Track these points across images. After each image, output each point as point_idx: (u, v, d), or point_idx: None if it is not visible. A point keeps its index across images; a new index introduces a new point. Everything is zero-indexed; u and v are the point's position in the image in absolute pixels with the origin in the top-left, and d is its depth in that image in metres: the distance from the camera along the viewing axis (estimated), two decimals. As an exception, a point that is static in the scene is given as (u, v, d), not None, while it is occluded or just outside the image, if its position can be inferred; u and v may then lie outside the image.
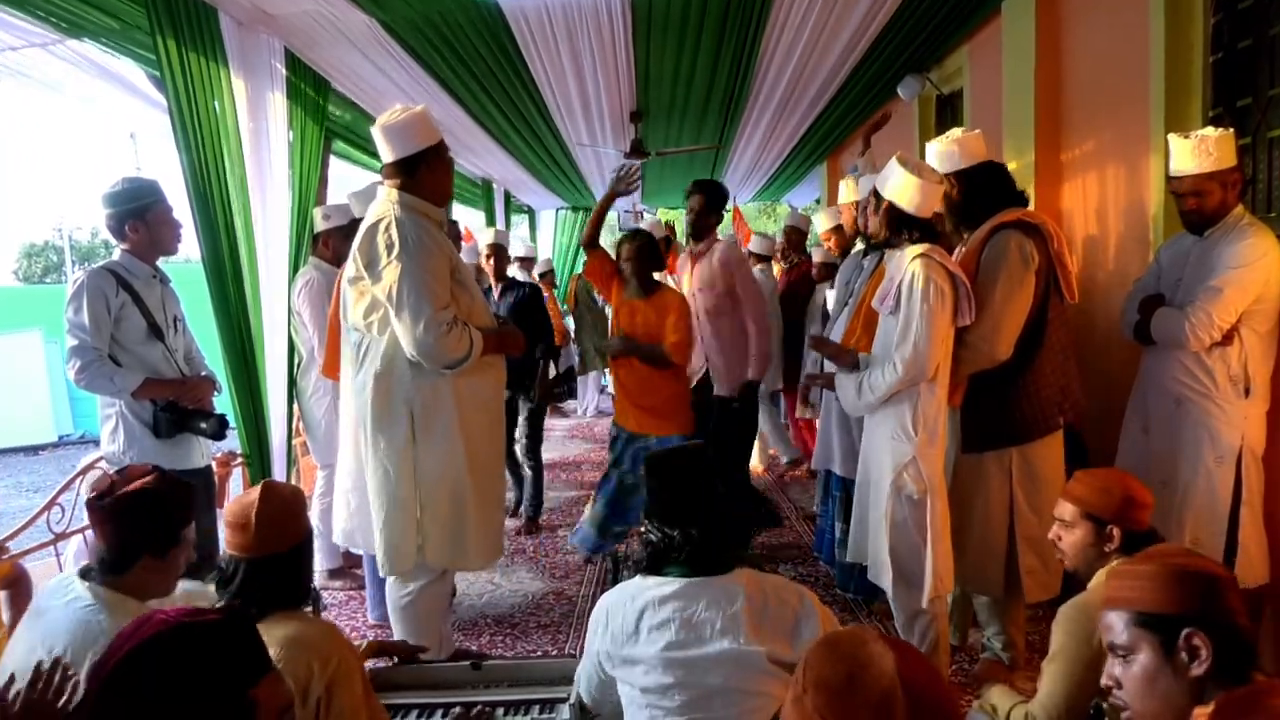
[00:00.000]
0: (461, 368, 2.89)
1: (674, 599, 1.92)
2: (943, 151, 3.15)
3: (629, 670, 1.95)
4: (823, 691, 0.98)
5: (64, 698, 1.65)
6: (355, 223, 3.90)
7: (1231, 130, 2.93)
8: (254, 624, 1.31)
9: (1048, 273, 3.02)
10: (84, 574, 2.01)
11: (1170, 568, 1.38)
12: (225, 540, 1.97)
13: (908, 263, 2.85)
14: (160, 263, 3.45)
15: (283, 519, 1.96)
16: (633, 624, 1.94)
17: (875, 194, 2.97)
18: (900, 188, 2.87)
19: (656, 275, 4.31)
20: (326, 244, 4.37)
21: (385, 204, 2.92)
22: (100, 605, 1.93)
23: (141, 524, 1.99)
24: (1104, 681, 1.45)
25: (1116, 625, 1.41)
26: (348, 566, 4.55)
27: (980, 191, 3.11)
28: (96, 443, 3.60)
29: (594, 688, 2.09)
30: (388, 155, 2.92)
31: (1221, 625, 1.33)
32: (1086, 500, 2.15)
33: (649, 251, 4.20)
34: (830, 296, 4.45)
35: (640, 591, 1.97)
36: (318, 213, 4.47)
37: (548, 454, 7.82)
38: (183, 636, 1.20)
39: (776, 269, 6.89)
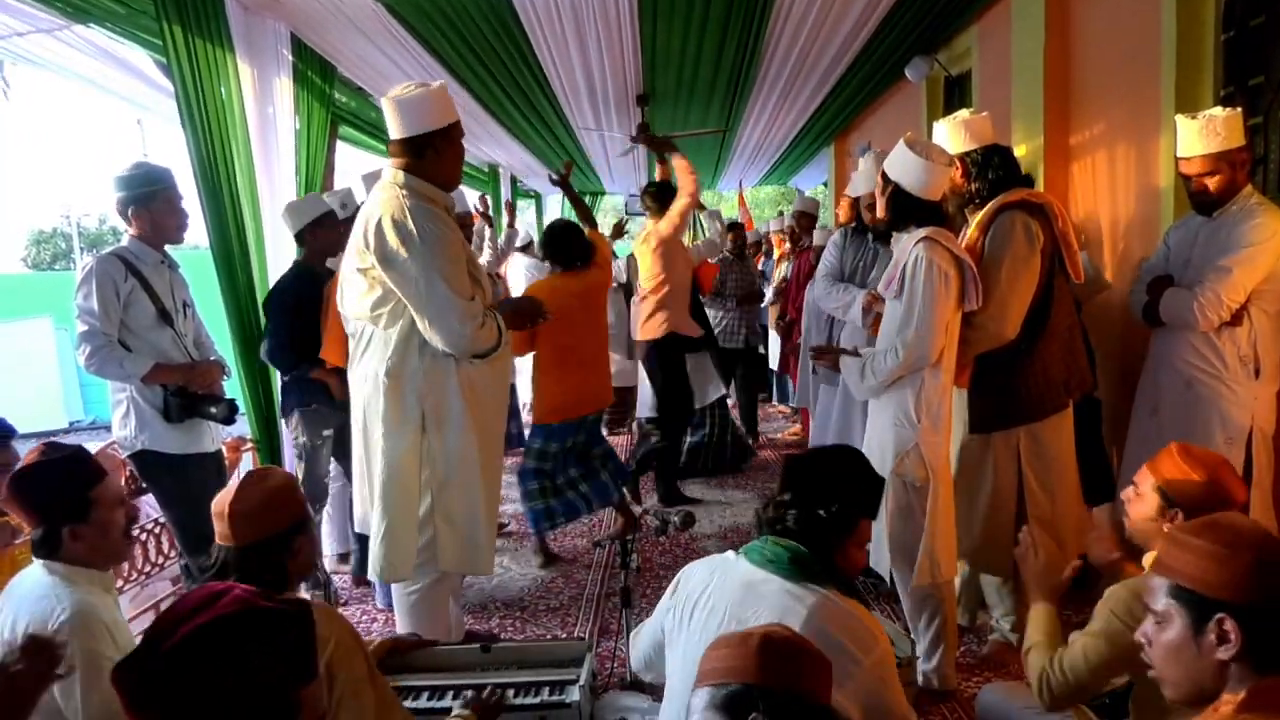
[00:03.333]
0: (492, 356, 2.86)
1: (741, 585, 1.81)
2: (949, 133, 3.13)
3: (675, 645, 1.89)
4: None
5: (56, 665, 1.69)
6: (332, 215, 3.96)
7: (1239, 109, 2.91)
8: (314, 625, 1.29)
9: (1052, 252, 3.01)
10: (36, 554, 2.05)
11: (1226, 549, 1.31)
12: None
13: (911, 246, 2.82)
14: (168, 248, 3.45)
15: (261, 509, 1.93)
16: (695, 596, 1.87)
17: (883, 176, 2.95)
18: (907, 170, 2.84)
19: None
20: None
21: (390, 189, 2.78)
22: (58, 580, 1.98)
23: (44, 498, 2.01)
24: (1138, 636, 1.44)
25: (1157, 591, 1.38)
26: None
27: (985, 174, 3.10)
28: (107, 428, 3.61)
29: (651, 647, 2.05)
30: (397, 131, 2.75)
31: (1263, 617, 1.28)
32: (1165, 475, 2.05)
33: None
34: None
35: (724, 563, 1.91)
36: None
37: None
38: (260, 620, 1.20)
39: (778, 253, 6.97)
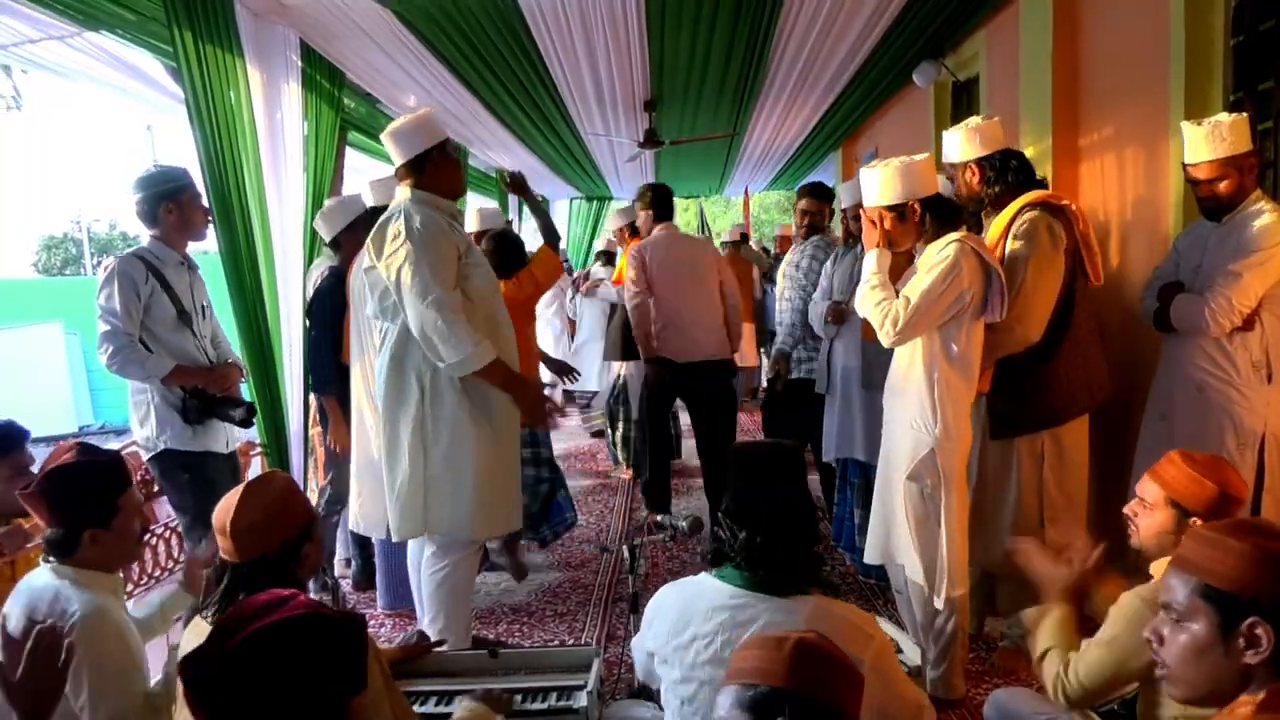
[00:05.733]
0: (458, 369, 2.90)
1: (726, 610, 1.81)
2: (961, 141, 3.12)
3: (667, 669, 1.89)
4: None
5: (59, 660, 1.68)
6: (367, 214, 3.89)
7: (1245, 115, 2.90)
8: (369, 639, 1.32)
9: (1074, 255, 3.00)
10: (47, 557, 2.04)
11: (1261, 549, 1.28)
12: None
13: (942, 247, 2.76)
14: (190, 251, 3.47)
15: (265, 524, 1.83)
16: (682, 624, 1.86)
17: (896, 206, 2.84)
18: (914, 180, 2.78)
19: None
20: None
21: (399, 200, 3.07)
22: (68, 583, 1.97)
23: (72, 500, 2.00)
24: (1147, 634, 1.39)
25: (1178, 589, 1.33)
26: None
27: (1003, 177, 3.08)
28: (118, 433, 3.64)
29: (643, 669, 2.06)
30: (396, 159, 3.07)
31: None
32: (1176, 487, 2.01)
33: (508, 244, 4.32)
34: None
35: (699, 592, 1.89)
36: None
37: (559, 445, 7.84)
38: (326, 627, 1.22)
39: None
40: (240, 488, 1.88)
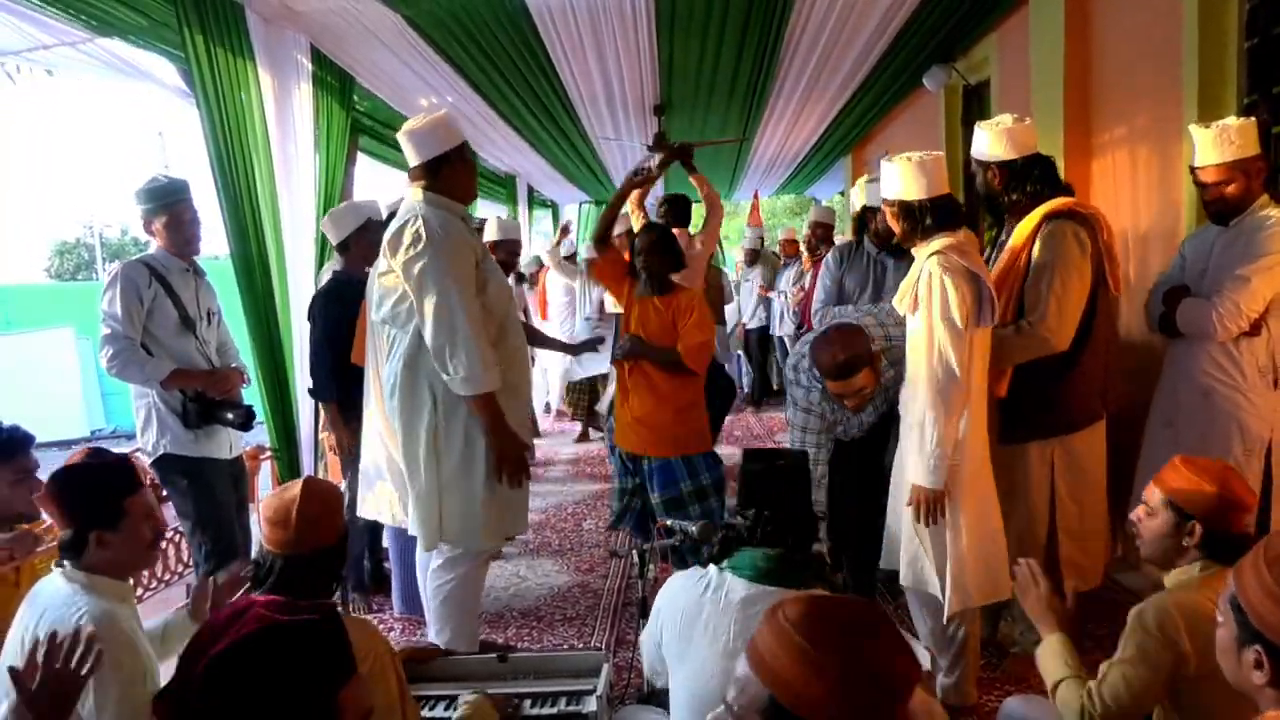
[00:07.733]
0: (461, 386, 2.87)
1: (736, 602, 1.85)
2: (991, 139, 3.05)
3: (677, 663, 1.90)
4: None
5: (86, 667, 1.70)
6: (376, 223, 3.88)
7: (1253, 119, 2.88)
8: (344, 626, 1.30)
9: (1097, 263, 2.96)
10: (60, 562, 2.06)
11: None
12: (264, 535, 1.98)
13: (923, 260, 2.70)
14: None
15: (321, 517, 1.95)
16: (692, 617, 1.88)
17: (887, 204, 2.84)
18: (902, 181, 2.75)
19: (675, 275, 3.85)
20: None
21: (412, 203, 3.04)
22: (78, 589, 1.98)
23: (78, 500, 2.02)
24: (1217, 613, 1.50)
25: (1226, 589, 1.45)
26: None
27: (1025, 184, 3.02)
28: (129, 437, 3.67)
29: (650, 662, 2.08)
30: (413, 159, 3.02)
31: None
32: (1175, 489, 2.00)
33: (666, 246, 3.79)
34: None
35: (707, 584, 1.91)
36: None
37: (571, 450, 7.85)
38: (280, 636, 1.21)
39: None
40: (296, 483, 1.98)
